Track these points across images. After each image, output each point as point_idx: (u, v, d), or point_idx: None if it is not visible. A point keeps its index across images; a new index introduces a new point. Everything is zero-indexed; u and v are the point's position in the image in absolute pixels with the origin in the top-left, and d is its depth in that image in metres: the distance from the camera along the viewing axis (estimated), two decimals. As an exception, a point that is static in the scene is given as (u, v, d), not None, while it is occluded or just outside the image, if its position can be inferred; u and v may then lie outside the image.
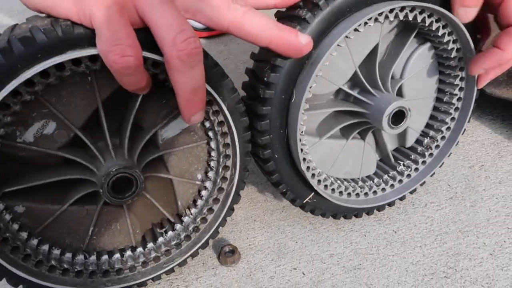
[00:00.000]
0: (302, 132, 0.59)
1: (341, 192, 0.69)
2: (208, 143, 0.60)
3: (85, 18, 0.44)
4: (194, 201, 0.63)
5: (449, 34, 0.64)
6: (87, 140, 0.52)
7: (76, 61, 0.47)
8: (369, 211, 0.73)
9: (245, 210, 0.77)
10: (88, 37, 0.45)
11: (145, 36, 0.46)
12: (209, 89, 0.52)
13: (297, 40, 0.51)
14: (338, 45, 0.55)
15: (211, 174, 0.62)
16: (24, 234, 0.54)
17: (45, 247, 0.56)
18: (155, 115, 0.56)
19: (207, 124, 0.58)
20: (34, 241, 0.55)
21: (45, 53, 0.44)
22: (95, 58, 0.47)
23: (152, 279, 0.61)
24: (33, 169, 0.53)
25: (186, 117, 0.50)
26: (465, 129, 0.73)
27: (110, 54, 0.43)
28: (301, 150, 0.60)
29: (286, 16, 0.57)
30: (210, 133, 0.59)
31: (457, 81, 0.69)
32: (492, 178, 0.82)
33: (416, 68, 0.68)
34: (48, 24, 0.44)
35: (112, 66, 0.44)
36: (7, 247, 0.52)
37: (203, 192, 0.62)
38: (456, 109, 0.72)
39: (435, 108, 0.73)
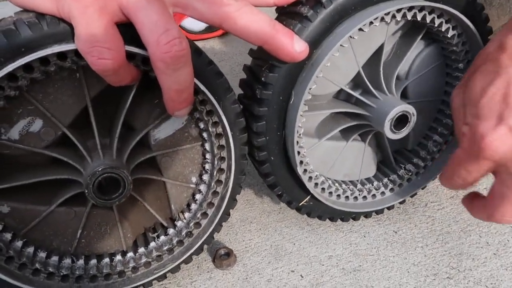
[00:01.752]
0: (300, 134, 0.56)
1: (338, 196, 0.66)
2: (202, 145, 0.57)
3: (65, 16, 0.42)
4: (188, 205, 0.60)
5: (459, 35, 0.61)
6: (74, 138, 0.50)
7: (61, 56, 0.44)
8: (367, 214, 0.71)
9: (241, 212, 0.74)
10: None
11: (135, 31, 0.43)
12: (203, 88, 0.50)
13: (291, 46, 0.48)
14: (341, 45, 0.52)
15: (205, 177, 0.59)
16: (8, 235, 0.52)
17: (30, 249, 0.53)
18: (146, 115, 0.53)
19: (201, 125, 0.55)
20: (19, 243, 0.52)
21: (29, 46, 0.42)
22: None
23: (143, 285, 0.58)
24: (19, 168, 0.51)
25: (169, 112, 0.49)
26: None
27: (88, 55, 0.42)
28: (298, 153, 0.57)
29: (287, 13, 0.54)
30: (205, 134, 0.56)
31: (463, 84, 0.66)
32: (493, 176, 0.79)
33: (422, 69, 0.65)
34: (33, 17, 0.42)
35: (91, 66, 0.43)
36: None
37: (197, 196, 0.60)
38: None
39: (440, 111, 0.70)
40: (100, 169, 0.49)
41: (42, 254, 0.54)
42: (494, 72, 0.47)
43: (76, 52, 0.44)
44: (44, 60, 0.44)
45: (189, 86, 0.47)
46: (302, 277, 0.63)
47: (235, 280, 0.62)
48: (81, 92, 0.49)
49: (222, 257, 0.64)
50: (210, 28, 1.37)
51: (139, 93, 0.50)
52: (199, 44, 1.33)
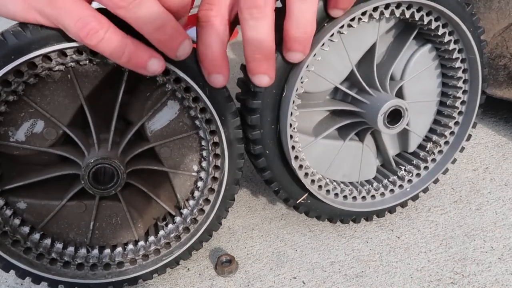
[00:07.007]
0: (294, 128, 0.51)
1: (336, 194, 0.59)
2: (198, 133, 0.54)
3: (44, 20, 0.42)
4: (192, 193, 0.58)
5: (450, 33, 0.55)
6: (74, 135, 0.48)
7: (47, 58, 0.44)
8: (368, 217, 0.64)
9: (243, 219, 0.69)
10: (55, 34, 0.42)
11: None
12: (182, 75, 0.48)
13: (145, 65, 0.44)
14: (330, 40, 0.48)
15: (204, 163, 0.56)
16: (27, 229, 0.52)
17: (48, 241, 0.53)
18: (140, 108, 0.51)
19: (192, 113, 0.52)
20: (37, 235, 0.53)
21: (17, 53, 0.42)
22: (63, 53, 0.44)
23: (153, 271, 0.57)
24: (31, 167, 0.51)
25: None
26: (470, 135, 0.63)
27: (87, 38, 0.40)
28: (293, 147, 0.52)
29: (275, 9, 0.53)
30: (197, 122, 0.53)
31: (460, 84, 0.60)
32: (498, 180, 0.73)
33: (417, 69, 0.59)
34: (17, 27, 0.42)
35: (97, 50, 0.41)
36: (7, 240, 0.51)
37: (199, 183, 0.57)
38: (460, 113, 0.62)
39: (438, 112, 0.64)
40: (92, 161, 0.48)
41: (59, 245, 0.54)
42: None
43: (60, 52, 0.43)
44: (31, 64, 0.43)
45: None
46: (304, 283, 0.57)
47: (236, 287, 0.57)
48: (74, 92, 0.47)
49: (224, 264, 0.58)
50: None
51: (132, 88, 0.48)
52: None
